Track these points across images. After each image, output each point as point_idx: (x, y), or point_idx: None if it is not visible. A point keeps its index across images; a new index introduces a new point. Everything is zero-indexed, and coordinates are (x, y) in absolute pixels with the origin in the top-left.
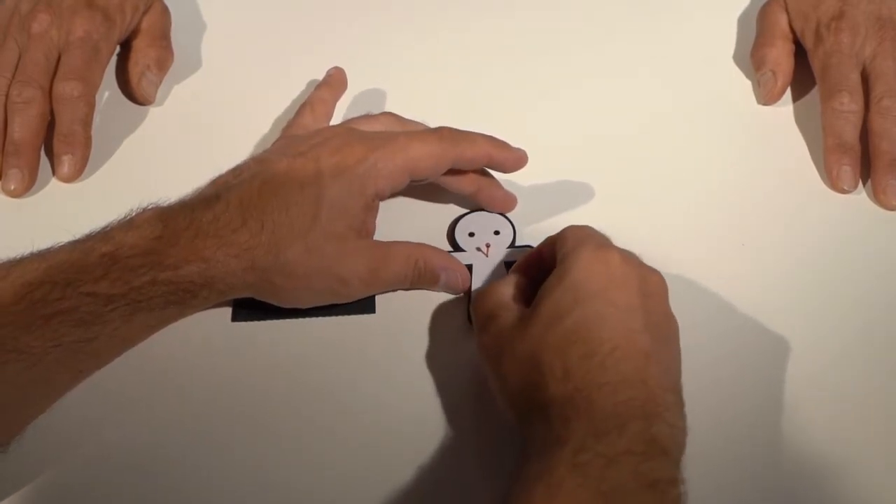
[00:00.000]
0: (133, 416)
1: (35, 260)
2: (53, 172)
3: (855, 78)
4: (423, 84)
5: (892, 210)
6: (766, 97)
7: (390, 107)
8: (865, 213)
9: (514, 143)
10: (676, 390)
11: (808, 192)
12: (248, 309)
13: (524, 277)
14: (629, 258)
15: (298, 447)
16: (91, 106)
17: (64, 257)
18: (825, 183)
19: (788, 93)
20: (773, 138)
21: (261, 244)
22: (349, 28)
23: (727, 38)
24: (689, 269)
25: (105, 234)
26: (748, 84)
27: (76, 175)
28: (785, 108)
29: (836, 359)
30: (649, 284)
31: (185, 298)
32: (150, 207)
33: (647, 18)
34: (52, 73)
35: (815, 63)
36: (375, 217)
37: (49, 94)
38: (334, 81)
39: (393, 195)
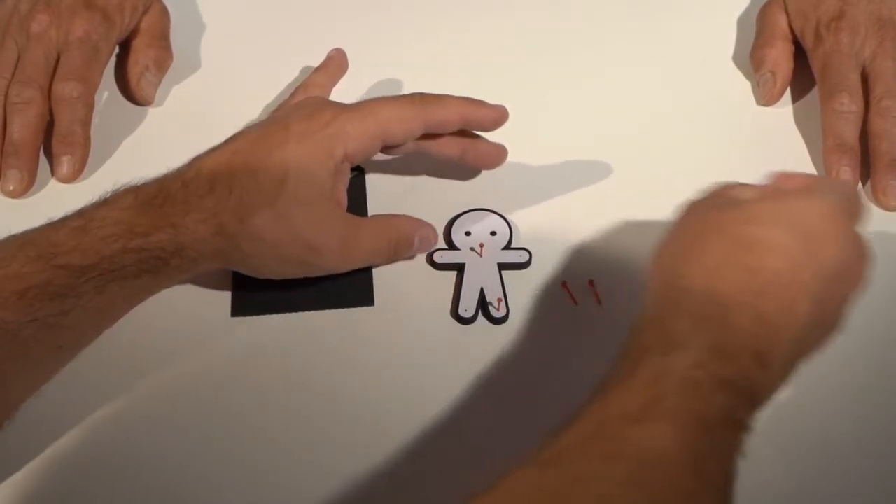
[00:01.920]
0: (130, 411)
1: (7, 239)
2: (52, 173)
3: (855, 78)
4: (424, 84)
5: (891, 210)
6: (766, 98)
7: None
8: (869, 208)
9: (512, 143)
10: (795, 351)
11: None
12: (247, 304)
13: None
14: (856, 234)
15: (298, 440)
16: (90, 106)
17: (36, 234)
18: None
19: (788, 93)
20: (772, 139)
21: (227, 208)
22: (349, 28)
23: (727, 38)
24: None
25: (78, 212)
26: (748, 84)
27: (75, 175)
28: (785, 109)
29: (837, 359)
30: (853, 262)
31: (157, 266)
32: (123, 186)
33: (648, 19)
34: (52, 73)
35: (815, 63)
36: (346, 185)
37: (48, 94)
38: (332, 65)
39: (386, 194)
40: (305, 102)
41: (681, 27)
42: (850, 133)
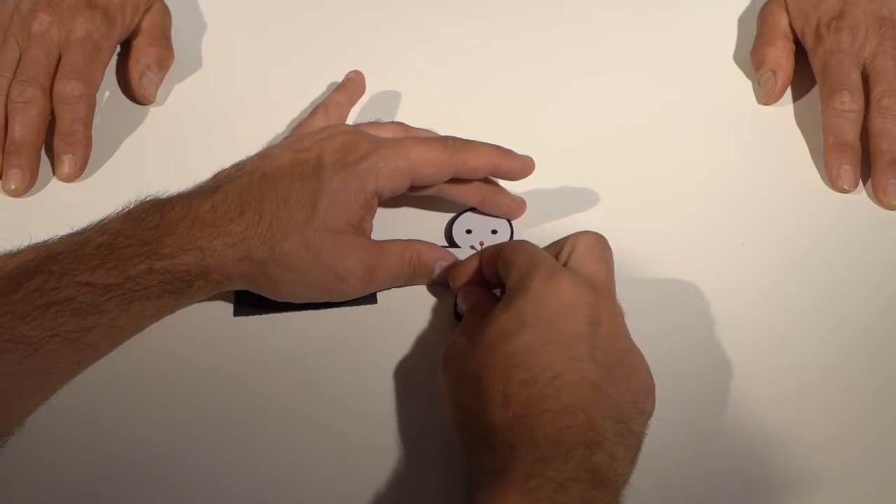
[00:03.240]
0: (135, 411)
1: (31, 251)
2: (54, 172)
3: (855, 77)
4: (424, 84)
5: (892, 209)
6: (767, 97)
7: (390, 106)
8: (865, 213)
9: (512, 143)
10: (622, 420)
11: (809, 192)
12: (250, 304)
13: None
14: (580, 285)
15: (302, 440)
16: (91, 106)
17: (60, 248)
18: (825, 182)
19: (789, 92)
20: (773, 138)
21: (257, 234)
22: (349, 28)
23: (728, 38)
24: (690, 268)
25: (102, 226)
26: (749, 84)
27: (76, 174)
28: (785, 108)
29: (837, 359)
30: (600, 312)
31: (181, 288)
32: (147, 199)
33: (648, 18)
34: (53, 72)
35: (816, 62)
36: (373, 217)
37: (50, 93)
38: (352, 86)
39: (393, 197)
40: (336, 131)
41: (682, 27)
42: (851, 132)
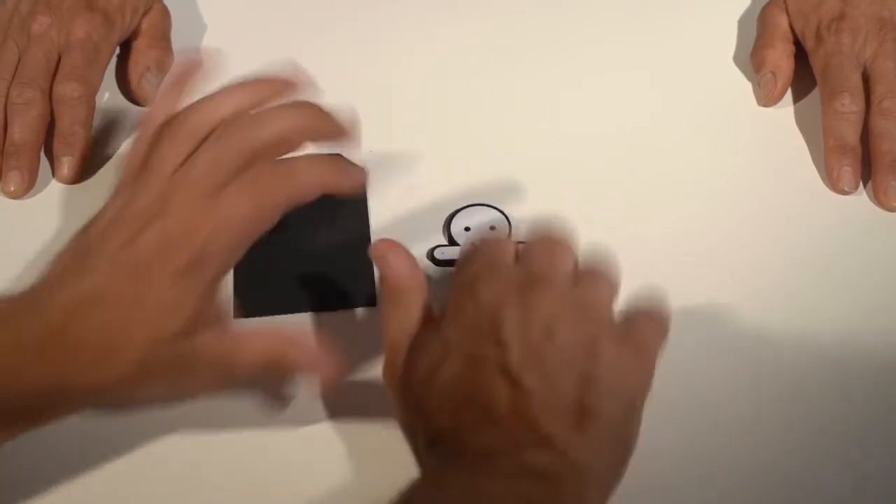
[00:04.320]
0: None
1: None
2: (53, 174)
3: (856, 79)
4: (426, 84)
5: (892, 211)
6: (767, 99)
7: (389, 106)
8: (866, 214)
9: (512, 143)
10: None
11: (809, 193)
12: (250, 306)
13: None
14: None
15: (302, 442)
16: (91, 107)
17: None
18: (825, 184)
19: (789, 94)
20: (773, 139)
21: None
22: (350, 27)
23: (728, 39)
24: (689, 268)
25: None
26: (748, 85)
27: (75, 176)
28: (785, 110)
29: (837, 359)
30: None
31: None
32: None
33: (648, 18)
34: (53, 74)
35: (816, 64)
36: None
37: (49, 95)
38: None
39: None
40: (163, 210)
41: (682, 28)
42: (852, 133)
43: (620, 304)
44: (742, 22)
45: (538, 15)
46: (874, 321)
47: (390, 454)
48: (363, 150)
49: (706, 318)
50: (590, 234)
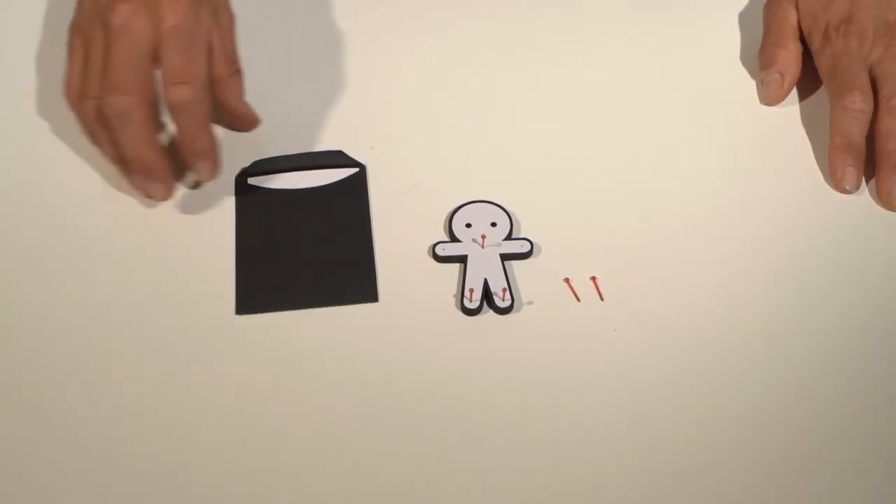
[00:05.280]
0: (135, 409)
1: None
2: (182, 175)
3: (865, 79)
4: (428, 82)
5: (894, 211)
6: (771, 98)
7: (391, 103)
8: (867, 214)
9: (515, 141)
10: None
11: (811, 192)
12: (252, 301)
13: None
14: None
15: (305, 438)
16: (207, 105)
17: None
18: (827, 183)
19: (793, 93)
20: (775, 138)
21: None
22: (351, 27)
23: (730, 36)
24: (690, 266)
25: None
26: (751, 83)
27: (215, 174)
28: (788, 108)
29: (837, 358)
30: None
31: None
32: None
33: (651, 15)
34: (147, 67)
35: (822, 64)
36: None
37: (146, 92)
38: None
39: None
40: None
41: (684, 25)
42: (859, 132)
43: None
44: (744, 18)
45: (541, 13)
46: (875, 318)
47: (390, 455)
48: (366, 147)
49: (706, 314)
50: (592, 229)
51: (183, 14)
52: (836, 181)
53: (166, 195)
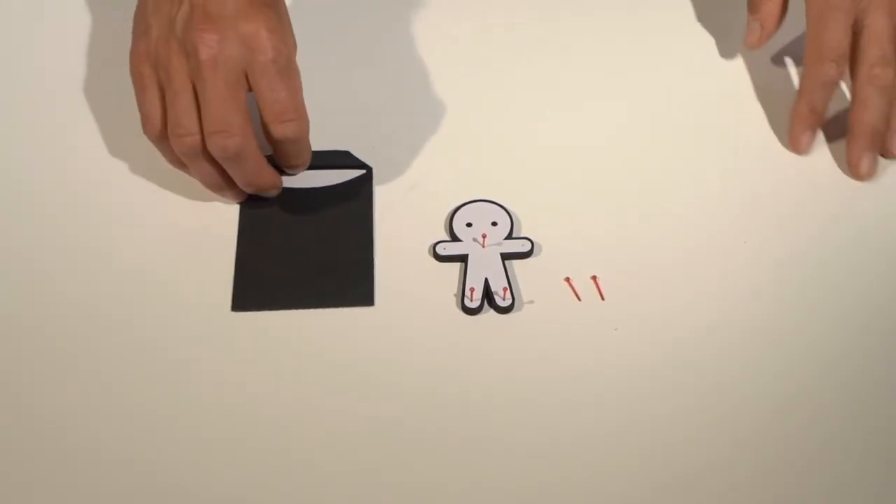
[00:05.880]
0: (130, 407)
1: None
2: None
3: (846, 43)
4: (428, 82)
5: (862, 180)
6: (748, 45)
7: (392, 104)
8: (868, 214)
9: (515, 145)
10: None
11: (811, 192)
12: (248, 298)
13: None
14: None
15: (302, 437)
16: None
17: None
18: (828, 181)
19: (794, 91)
20: (775, 138)
21: None
22: (351, 28)
23: (730, 36)
24: (691, 266)
25: None
26: (750, 82)
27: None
28: (788, 108)
29: (837, 358)
30: None
31: None
32: None
33: (649, 18)
34: (246, 105)
35: (810, 11)
36: None
37: (250, 129)
38: None
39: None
40: None
41: (684, 22)
42: (824, 102)
43: (622, 303)
44: (743, 17)
45: (541, 13)
46: (876, 315)
47: (390, 455)
48: (366, 147)
49: (707, 312)
50: (592, 229)
51: (279, 39)
52: (792, 143)
53: (244, 199)
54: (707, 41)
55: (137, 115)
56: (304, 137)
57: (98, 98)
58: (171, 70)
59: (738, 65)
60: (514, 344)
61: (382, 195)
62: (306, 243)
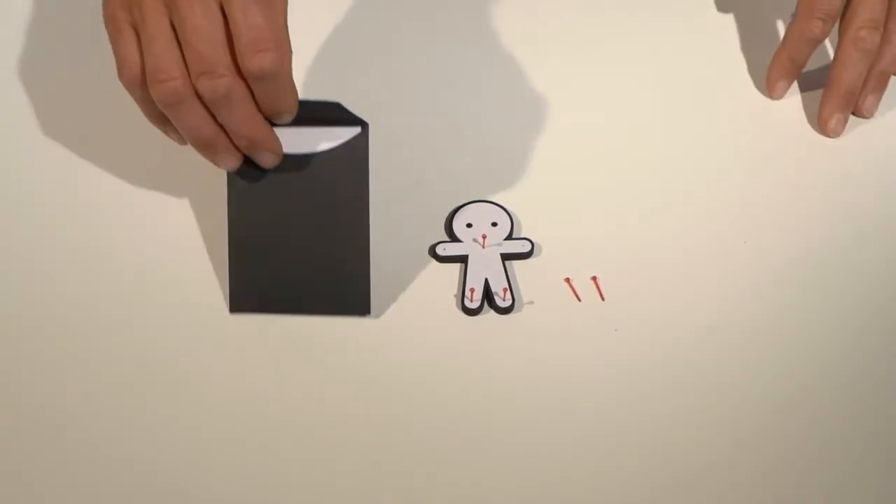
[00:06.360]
0: (129, 408)
1: None
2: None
3: (838, 3)
4: (428, 82)
5: (831, 138)
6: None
7: (392, 104)
8: (868, 214)
9: (516, 143)
10: None
11: (811, 192)
12: (246, 300)
13: None
14: None
15: (301, 439)
16: (290, 74)
17: None
18: (829, 181)
19: (795, 88)
20: (775, 138)
21: None
22: (352, 28)
23: (731, 37)
24: (691, 266)
25: None
26: (752, 83)
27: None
28: (789, 108)
29: (837, 358)
30: None
31: None
32: None
33: (649, 19)
34: (225, 40)
35: None
36: None
37: (238, 69)
38: None
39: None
40: None
41: (684, 23)
42: (806, 54)
43: (622, 304)
44: (743, 18)
45: (541, 13)
46: (876, 314)
47: (390, 455)
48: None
49: (707, 312)
50: (593, 229)
51: None
52: (769, 87)
53: (237, 166)
54: (708, 42)
55: (138, 115)
56: (283, 73)
57: (98, 98)
58: (144, 9)
59: (739, 66)
60: (514, 344)
61: (382, 195)
62: (302, 244)
